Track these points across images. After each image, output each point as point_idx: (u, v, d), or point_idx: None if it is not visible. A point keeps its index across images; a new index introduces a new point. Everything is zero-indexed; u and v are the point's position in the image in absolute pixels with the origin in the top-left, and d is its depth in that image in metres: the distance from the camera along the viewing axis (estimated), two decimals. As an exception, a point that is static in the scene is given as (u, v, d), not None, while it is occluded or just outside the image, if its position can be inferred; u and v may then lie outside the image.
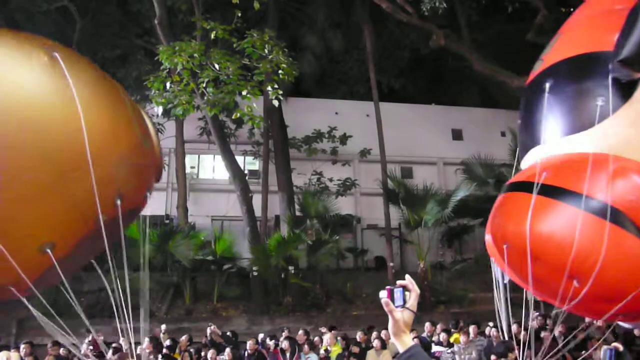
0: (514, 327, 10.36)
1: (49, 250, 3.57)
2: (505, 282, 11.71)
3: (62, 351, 9.45)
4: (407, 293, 1.83)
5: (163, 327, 11.84)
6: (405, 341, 1.77)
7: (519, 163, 6.45)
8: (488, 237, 5.91)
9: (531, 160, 5.78)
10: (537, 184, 4.87)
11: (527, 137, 6.02)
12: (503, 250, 5.24)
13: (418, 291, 1.85)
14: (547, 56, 5.93)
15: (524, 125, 6.18)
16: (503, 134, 22.38)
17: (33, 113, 3.27)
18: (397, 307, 1.79)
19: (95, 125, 3.38)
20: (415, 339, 10.19)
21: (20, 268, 3.49)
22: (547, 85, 5.51)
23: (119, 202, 3.83)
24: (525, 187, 5.21)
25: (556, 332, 10.24)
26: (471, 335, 10.05)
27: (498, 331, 9.80)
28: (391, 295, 1.81)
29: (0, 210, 3.32)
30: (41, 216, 3.51)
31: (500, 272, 11.55)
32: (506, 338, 10.02)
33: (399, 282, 1.85)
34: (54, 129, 3.30)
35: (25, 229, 3.47)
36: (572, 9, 18.86)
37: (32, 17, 18.34)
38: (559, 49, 5.80)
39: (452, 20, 17.72)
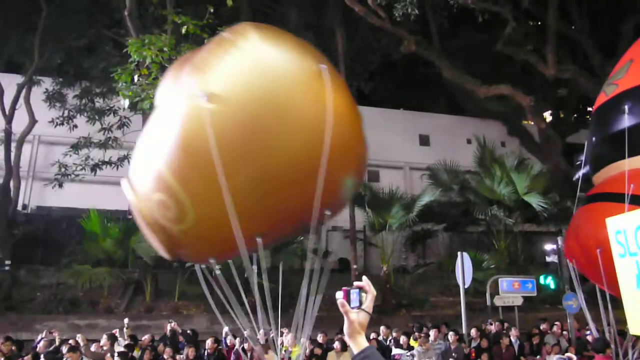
0: (472, 332, 10.57)
1: (259, 240, 3.66)
2: (465, 287, 11.95)
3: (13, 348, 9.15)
4: (363, 294, 1.84)
5: (126, 321, 11.65)
6: (360, 342, 1.78)
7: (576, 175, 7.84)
8: (570, 244, 6.80)
9: (610, 173, 6.71)
10: (628, 194, 5.67)
11: (606, 152, 6.92)
12: (594, 254, 5.95)
13: (374, 293, 1.87)
14: (621, 81, 6.88)
15: (601, 142, 7.03)
16: (469, 141, 22.79)
17: (296, 118, 3.35)
18: (352, 308, 1.81)
19: (340, 139, 3.43)
20: (373, 340, 10.28)
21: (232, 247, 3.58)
22: (626, 107, 6.39)
23: (328, 213, 3.88)
24: (612, 197, 6.22)
25: (512, 338, 10.49)
26: (431, 338, 10.18)
27: (456, 335, 9.97)
28: (347, 297, 1.82)
29: (249, 203, 3.41)
30: (274, 212, 3.60)
31: (461, 278, 11.80)
32: (468, 342, 10.22)
33: (356, 283, 1.86)
34: (309, 135, 3.37)
35: (256, 221, 3.57)
36: (539, 22, 19.36)
37: (-3, 2, 17.80)
38: (634, 74, 6.70)
39: (424, 27, 17.97)
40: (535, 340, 10.89)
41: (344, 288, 1.84)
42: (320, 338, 10.81)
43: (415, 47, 16.34)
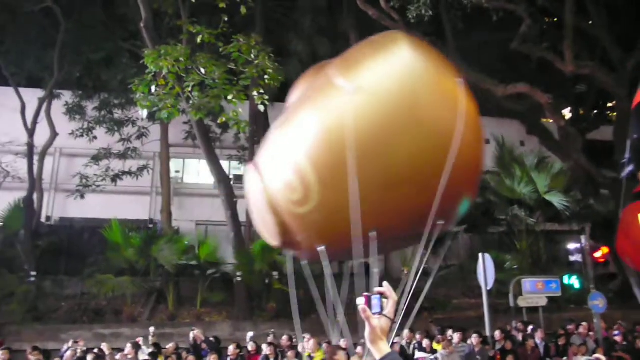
0: (497, 334, 10.44)
1: (373, 234, 3.73)
2: (487, 288, 11.82)
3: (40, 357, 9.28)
4: (384, 300, 1.83)
5: (151, 329, 11.75)
6: (382, 348, 1.77)
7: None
8: (621, 243, 6.92)
9: None
10: None
11: None
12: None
13: (396, 298, 1.86)
14: None
15: None
16: (487, 141, 22.57)
17: (431, 120, 3.55)
18: (374, 314, 1.80)
19: (466, 151, 3.57)
20: (396, 345, 10.21)
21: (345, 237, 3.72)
22: None
23: (441, 222, 4.02)
24: None
25: (537, 340, 10.34)
26: (455, 341, 10.08)
27: (480, 337, 9.85)
28: (368, 302, 1.81)
29: (371, 194, 3.55)
30: (391, 207, 3.73)
31: (483, 279, 11.66)
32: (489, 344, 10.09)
33: (376, 289, 1.85)
34: (439, 140, 3.54)
35: (374, 214, 3.68)
36: (555, 19, 19.17)
37: (16, 18, 18.18)
38: None
39: (438, 28, 17.88)
40: (562, 342, 10.72)
41: (364, 294, 1.83)
42: (342, 343, 10.76)
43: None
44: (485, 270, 11.60)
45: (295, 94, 4.59)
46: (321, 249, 4.11)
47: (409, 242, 4.53)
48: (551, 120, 20.94)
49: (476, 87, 18.18)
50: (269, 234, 4.06)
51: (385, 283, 1.89)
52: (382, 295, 1.84)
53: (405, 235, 4.19)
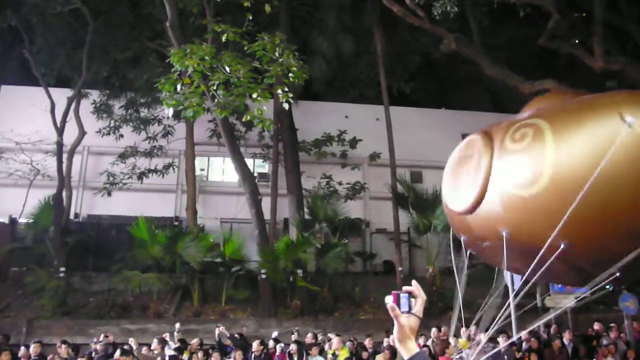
0: (524, 334, 10.28)
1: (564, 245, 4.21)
2: (515, 288, 11.66)
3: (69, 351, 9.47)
4: (412, 299, 1.81)
5: (177, 325, 11.87)
6: (410, 347, 1.75)
7: None
8: None
9: None
10: None
11: None
12: None
13: (424, 297, 1.83)
14: None
15: None
16: (514, 139, 22.28)
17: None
18: (402, 312, 1.78)
19: None
20: (424, 348, 10.13)
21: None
22: None
23: None
24: None
25: (565, 340, 10.15)
26: (482, 340, 9.95)
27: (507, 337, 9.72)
28: (397, 301, 1.79)
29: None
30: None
31: (510, 279, 11.51)
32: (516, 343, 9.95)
33: (405, 287, 1.83)
34: None
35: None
36: (585, 14, 18.80)
37: (46, 19, 18.53)
38: None
39: (464, 24, 17.66)
40: (591, 343, 10.51)
41: (393, 292, 1.82)
42: (367, 341, 10.74)
43: (455, 45, 16.07)
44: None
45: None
46: (505, 231, 4.36)
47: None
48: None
49: (502, 84, 17.93)
50: (459, 198, 4.44)
51: (413, 282, 1.87)
52: (410, 294, 1.81)
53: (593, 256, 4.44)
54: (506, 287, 11.87)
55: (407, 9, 15.05)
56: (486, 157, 4.27)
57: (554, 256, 4.26)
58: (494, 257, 5.71)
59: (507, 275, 11.57)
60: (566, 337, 10.29)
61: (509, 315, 9.97)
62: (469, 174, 4.40)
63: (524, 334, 10.28)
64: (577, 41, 17.52)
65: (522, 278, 4.57)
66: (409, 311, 1.79)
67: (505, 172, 4.17)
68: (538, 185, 3.97)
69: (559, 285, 12.42)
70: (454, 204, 4.43)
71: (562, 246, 4.03)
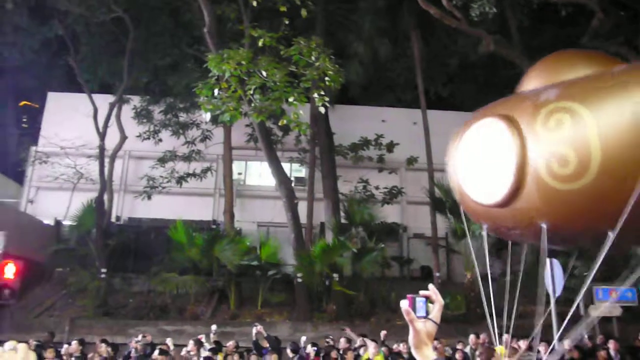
0: (565, 344, 9.96)
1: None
2: (557, 295, 11.31)
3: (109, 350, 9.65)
4: (430, 305, 1.74)
5: (213, 327, 11.96)
6: (426, 354, 1.68)
7: None
8: None
9: None
10: None
11: None
12: None
13: (442, 302, 1.76)
14: None
15: None
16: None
17: None
18: (419, 317, 1.71)
19: None
20: (459, 351, 9.93)
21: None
22: None
23: None
24: None
25: (612, 351, 9.77)
26: (522, 348, 9.69)
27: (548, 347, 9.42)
28: (413, 305, 1.73)
29: None
30: None
31: (551, 286, 11.17)
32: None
33: (422, 292, 1.76)
34: None
35: None
36: (630, 11, 18.21)
37: (89, 29, 19.11)
38: None
39: (503, 25, 17.33)
40: (638, 354, 10.10)
41: (408, 295, 1.74)
42: (401, 346, 10.59)
43: (493, 46, 15.77)
44: (553, 276, 11.09)
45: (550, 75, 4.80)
46: (544, 225, 4.23)
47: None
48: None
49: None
50: (486, 190, 4.25)
51: (430, 286, 1.79)
52: (427, 299, 1.75)
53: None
54: (547, 294, 11.53)
55: (444, 10, 14.85)
56: (517, 146, 4.09)
57: (605, 249, 4.15)
58: (522, 240, 5.53)
59: (548, 282, 11.24)
60: (612, 347, 9.90)
61: (550, 324, 9.66)
62: (495, 164, 4.19)
63: (566, 343, 9.96)
64: (622, 40, 16.97)
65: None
66: (426, 316, 1.72)
67: (544, 164, 3.98)
68: (588, 175, 3.80)
69: (604, 294, 12.00)
70: (479, 196, 4.24)
71: (610, 235, 3.87)
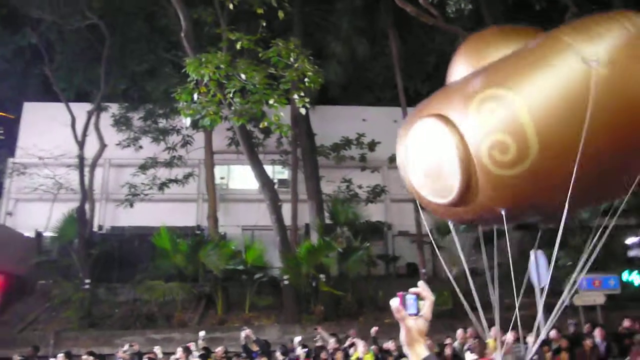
0: (552, 333, 10.07)
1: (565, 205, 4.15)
2: (541, 286, 11.43)
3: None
4: (420, 302, 1.73)
5: (201, 334, 11.86)
6: (419, 352, 1.66)
7: None
8: None
9: None
10: None
11: None
12: None
13: (432, 299, 1.74)
14: None
15: None
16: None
17: None
18: (410, 315, 1.70)
19: None
20: (449, 346, 9.98)
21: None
22: None
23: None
24: None
25: (597, 339, 9.89)
26: (509, 342, 9.77)
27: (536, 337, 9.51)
28: (403, 302, 1.71)
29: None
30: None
31: (536, 277, 11.29)
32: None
33: (411, 289, 1.75)
34: None
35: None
36: (603, 5, 18.46)
37: (64, 36, 18.85)
38: None
39: (479, 22, 17.48)
40: (624, 341, 10.23)
41: (398, 293, 1.74)
42: (390, 344, 10.62)
43: (471, 43, 15.90)
44: (538, 267, 11.21)
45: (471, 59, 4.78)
46: (503, 211, 4.26)
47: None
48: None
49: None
50: (439, 191, 4.25)
51: (420, 283, 1.78)
52: (418, 296, 1.73)
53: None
54: (532, 285, 11.65)
55: (420, 8, 14.93)
56: (457, 143, 4.09)
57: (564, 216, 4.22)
58: (488, 225, 5.63)
59: (533, 273, 11.36)
60: (598, 335, 10.03)
61: (536, 315, 9.77)
62: (442, 164, 4.20)
63: (552, 333, 10.06)
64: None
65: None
66: (417, 313, 1.71)
67: (487, 155, 3.99)
68: (530, 157, 3.84)
69: (587, 283, 12.16)
70: (434, 198, 4.25)
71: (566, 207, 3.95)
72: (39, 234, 19.48)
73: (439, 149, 4.22)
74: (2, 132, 27.64)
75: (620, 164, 3.94)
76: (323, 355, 9.92)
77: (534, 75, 4.04)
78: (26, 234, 19.53)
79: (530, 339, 9.47)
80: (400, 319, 1.69)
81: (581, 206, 4.62)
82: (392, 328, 14.65)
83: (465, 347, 10.49)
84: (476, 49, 4.90)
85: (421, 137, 4.48)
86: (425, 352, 1.67)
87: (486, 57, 4.57)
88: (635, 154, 3.95)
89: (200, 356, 9.83)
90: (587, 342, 9.61)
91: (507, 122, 3.91)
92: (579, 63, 3.80)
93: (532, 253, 11.59)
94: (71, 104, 19.47)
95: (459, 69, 4.91)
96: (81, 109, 19.33)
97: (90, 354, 9.82)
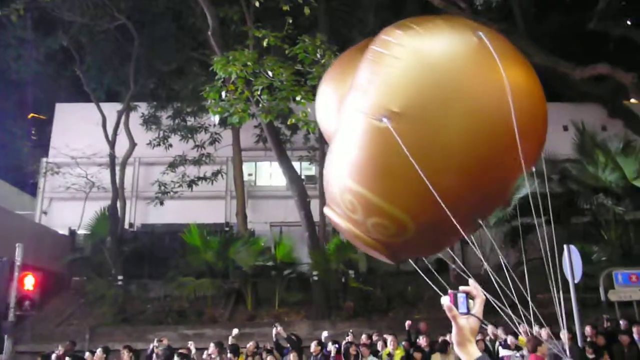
0: (587, 330, 9.88)
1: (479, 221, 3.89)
2: (576, 282, 11.21)
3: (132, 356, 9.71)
4: (470, 301, 1.70)
5: (235, 331, 11.96)
6: (471, 351, 1.63)
7: None
8: None
9: None
10: None
11: None
12: None
13: (483, 297, 1.72)
14: None
15: None
16: (565, 128, 21.46)
17: (472, 105, 3.46)
18: (461, 313, 1.67)
19: (523, 103, 3.48)
20: (480, 342, 9.86)
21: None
22: None
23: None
24: None
25: (636, 335, 9.65)
26: (543, 338, 9.61)
27: (570, 334, 9.34)
28: (454, 301, 1.69)
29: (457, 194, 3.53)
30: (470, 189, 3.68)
31: (570, 272, 11.08)
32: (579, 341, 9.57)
33: (462, 287, 1.72)
34: (485, 103, 3.49)
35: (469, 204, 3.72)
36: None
37: (94, 38, 19.19)
38: None
39: (508, 13, 17.20)
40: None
41: (450, 291, 1.71)
42: (421, 340, 10.54)
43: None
44: (572, 262, 11.00)
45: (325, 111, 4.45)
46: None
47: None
48: (635, 101, 19.67)
49: (552, 71, 17.35)
50: (380, 258, 4.21)
51: (471, 281, 1.75)
52: (468, 294, 1.71)
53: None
54: (566, 281, 11.43)
55: (448, 0, 14.77)
56: (351, 229, 4.05)
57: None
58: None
59: (567, 268, 11.15)
60: (636, 332, 9.79)
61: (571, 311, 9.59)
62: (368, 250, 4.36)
63: (587, 329, 9.88)
64: (629, 22, 16.78)
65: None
66: (468, 312, 1.68)
67: (374, 231, 3.93)
68: (408, 232, 3.74)
69: (624, 279, 11.89)
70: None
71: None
72: (72, 232, 19.93)
73: (348, 234, 4.12)
74: (35, 132, 28.40)
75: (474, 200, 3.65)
76: (352, 350, 9.93)
77: (342, 152, 3.87)
78: (60, 232, 20.00)
79: (563, 335, 9.32)
80: (452, 318, 1.67)
81: (486, 213, 4.37)
82: (419, 324, 14.56)
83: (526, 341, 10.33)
84: (342, 72, 4.54)
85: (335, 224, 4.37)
86: (477, 352, 1.63)
87: (345, 88, 4.22)
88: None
89: (231, 351, 9.92)
90: (624, 339, 9.39)
91: (372, 210, 3.67)
92: (371, 126, 3.46)
93: (565, 248, 11.37)
94: (101, 104, 19.85)
95: (327, 94, 4.51)
96: (111, 109, 19.68)
97: (127, 348, 9.99)
